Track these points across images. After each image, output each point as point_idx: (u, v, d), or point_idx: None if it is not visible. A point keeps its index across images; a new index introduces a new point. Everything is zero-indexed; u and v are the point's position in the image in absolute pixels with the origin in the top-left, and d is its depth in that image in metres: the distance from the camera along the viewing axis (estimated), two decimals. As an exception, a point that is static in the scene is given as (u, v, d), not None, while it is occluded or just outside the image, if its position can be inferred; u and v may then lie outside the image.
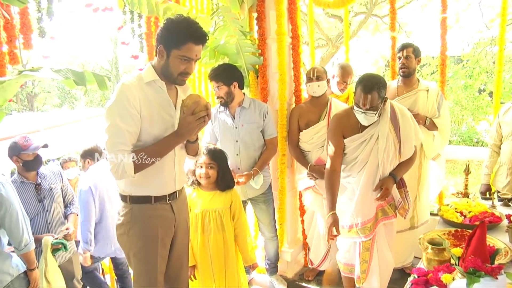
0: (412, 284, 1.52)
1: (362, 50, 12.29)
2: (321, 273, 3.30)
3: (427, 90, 2.86)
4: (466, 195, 2.92)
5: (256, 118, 2.81)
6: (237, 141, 2.80)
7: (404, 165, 2.33)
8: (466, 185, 3.01)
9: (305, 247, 3.33)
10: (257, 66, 3.16)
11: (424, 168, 2.97)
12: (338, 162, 2.32)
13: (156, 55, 1.78)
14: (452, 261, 1.70)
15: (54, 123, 6.55)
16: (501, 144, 3.10)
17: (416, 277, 1.57)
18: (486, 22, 9.13)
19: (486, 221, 2.17)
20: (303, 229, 3.30)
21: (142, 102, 1.72)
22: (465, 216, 2.42)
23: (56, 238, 2.61)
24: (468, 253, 1.43)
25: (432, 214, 3.25)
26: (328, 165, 2.35)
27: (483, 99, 9.63)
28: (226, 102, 2.76)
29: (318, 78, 2.81)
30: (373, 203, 2.29)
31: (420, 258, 3.23)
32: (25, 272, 2.34)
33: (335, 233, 2.16)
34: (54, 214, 2.81)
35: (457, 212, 2.46)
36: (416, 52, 2.86)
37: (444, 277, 1.49)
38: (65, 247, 2.62)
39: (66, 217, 2.90)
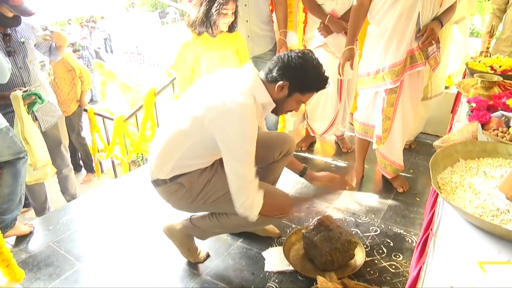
0: (472, 111, 1.33)
1: None
2: (313, 144, 3.23)
3: None
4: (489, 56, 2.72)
5: None
6: None
7: (446, 13, 2.07)
8: (488, 48, 2.81)
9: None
10: None
11: (446, 32, 2.68)
12: None
13: (273, 83, 1.52)
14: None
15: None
16: (507, 8, 2.87)
17: (474, 105, 1.38)
18: None
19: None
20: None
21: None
22: (495, 71, 2.23)
23: (26, 91, 2.28)
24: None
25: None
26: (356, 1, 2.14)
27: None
28: None
29: None
30: (405, 45, 2.05)
31: (427, 134, 3.17)
32: (6, 127, 2.07)
33: (349, 70, 2.16)
34: (30, 73, 2.49)
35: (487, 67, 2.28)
36: None
37: (510, 101, 1.31)
38: (40, 98, 2.32)
39: None
